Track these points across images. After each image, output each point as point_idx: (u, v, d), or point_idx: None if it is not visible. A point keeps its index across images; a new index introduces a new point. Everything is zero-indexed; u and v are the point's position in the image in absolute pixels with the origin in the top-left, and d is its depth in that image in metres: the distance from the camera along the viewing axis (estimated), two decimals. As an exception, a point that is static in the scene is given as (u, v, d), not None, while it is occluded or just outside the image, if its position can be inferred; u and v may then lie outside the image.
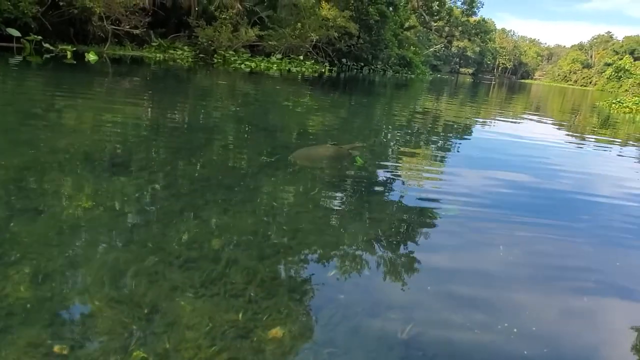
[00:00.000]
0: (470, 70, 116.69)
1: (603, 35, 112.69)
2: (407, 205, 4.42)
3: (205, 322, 2.34)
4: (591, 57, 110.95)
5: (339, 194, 4.53)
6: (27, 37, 16.82)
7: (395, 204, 4.44)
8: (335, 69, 33.50)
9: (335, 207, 4.16)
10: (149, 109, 8.65)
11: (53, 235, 3.03)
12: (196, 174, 4.60)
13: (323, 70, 30.42)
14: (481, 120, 13.98)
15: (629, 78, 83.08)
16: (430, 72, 60.12)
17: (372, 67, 39.05)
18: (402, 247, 3.46)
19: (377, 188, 4.94)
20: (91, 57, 16.37)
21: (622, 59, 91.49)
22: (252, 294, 2.60)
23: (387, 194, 4.79)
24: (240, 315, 2.42)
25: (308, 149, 6.25)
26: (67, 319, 2.28)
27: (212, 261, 2.90)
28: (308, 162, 5.69)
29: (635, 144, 11.63)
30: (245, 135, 7.16)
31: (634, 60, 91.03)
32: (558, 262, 3.54)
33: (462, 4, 60.49)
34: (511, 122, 14.07)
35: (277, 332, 2.32)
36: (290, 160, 5.53)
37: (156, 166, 4.75)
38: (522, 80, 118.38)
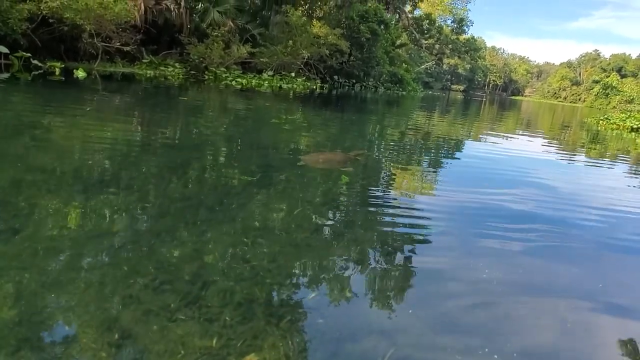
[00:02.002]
0: (462, 87, 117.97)
1: (591, 53, 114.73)
2: (392, 225, 4.35)
3: (177, 349, 2.25)
4: (580, 74, 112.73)
5: (322, 214, 4.45)
6: (16, 54, 16.74)
7: (380, 224, 4.37)
8: (327, 85, 33.68)
9: (318, 228, 4.08)
10: (133, 126, 8.57)
11: (26, 257, 2.93)
12: (177, 194, 4.51)
13: (314, 87, 30.56)
14: (473, 136, 14.03)
15: (616, 95, 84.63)
16: (422, 89, 60.64)
17: (364, 84, 39.30)
18: (384, 269, 3.38)
19: (362, 207, 4.87)
20: (80, 73, 16.30)
21: (609, 76, 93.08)
22: (227, 318, 2.52)
23: (372, 213, 4.71)
24: (215, 341, 2.33)
25: (318, 154, 7.23)
26: (34, 345, 2.19)
27: (188, 284, 2.82)
28: (318, 165, 6.53)
29: (625, 159, 11.70)
30: (232, 153, 7.09)
31: (621, 78, 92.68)
32: (543, 283, 3.49)
33: (452, 22, 61.68)
34: (502, 138, 14.12)
35: (251, 358, 2.23)
36: (301, 163, 6.38)
37: (136, 185, 4.65)
38: (513, 97, 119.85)
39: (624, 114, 28.51)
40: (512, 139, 14.44)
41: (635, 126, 22.53)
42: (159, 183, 4.83)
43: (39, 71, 16.36)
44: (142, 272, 2.89)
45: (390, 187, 6.03)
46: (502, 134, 15.73)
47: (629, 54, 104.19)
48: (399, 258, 3.60)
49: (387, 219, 4.55)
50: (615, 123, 24.68)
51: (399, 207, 4.99)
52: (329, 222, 4.25)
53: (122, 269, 2.91)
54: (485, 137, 14.16)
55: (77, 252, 3.08)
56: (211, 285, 2.82)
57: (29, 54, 17.18)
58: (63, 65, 18.10)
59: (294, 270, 3.18)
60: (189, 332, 2.38)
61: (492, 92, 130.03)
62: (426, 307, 2.92)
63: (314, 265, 3.31)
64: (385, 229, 4.23)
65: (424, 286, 3.20)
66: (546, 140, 15.56)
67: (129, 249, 3.21)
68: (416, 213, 4.82)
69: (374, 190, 5.73)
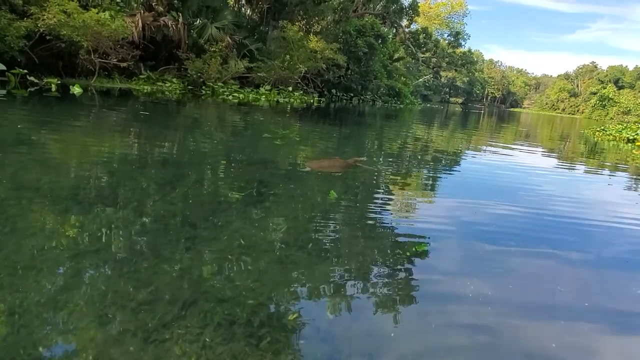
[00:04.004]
0: (460, 100, 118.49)
1: (588, 65, 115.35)
2: (381, 243, 4.29)
3: (152, 372, 2.16)
4: (577, 86, 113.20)
5: (309, 231, 4.37)
6: (12, 71, 16.77)
7: (368, 241, 4.29)
8: (324, 99, 33.78)
9: (305, 245, 3.99)
10: (126, 142, 8.51)
11: (4, 275, 2.86)
12: (162, 211, 4.43)
13: (312, 101, 30.64)
14: (471, 149, 14.00)
15: (613, 106, 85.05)
16: (420, 102, 60.89)
17: (362, 97, 39.40)
18: (368, 289, 3.29)
19: (350, 223, 4.79)
20: (76, 89, 16.30)
21: (606, 88, 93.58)
22: (207, 339, 2.44)
23: (360, 229, 4.63)
24: (191, 363, 2.25)
25: (320, 160, 7.64)
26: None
27: (167, 304, 2.74)
28: (321, 170, 6.83)
29: (624, 170, 11.64)
30: (224, 169, 7.01)
31: (618, 89, 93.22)
32: (535, 301, 3.42)
33: (448, 36, 62.12)
34: (501, 150, 14.07)
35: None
36: (304, 168, 6.87)
37: (122, 202, 4.57)
38: (511, 109, 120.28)
39: (620, 125, 28.59)
40: (511, 151, 14.37)
41: (631, 137, 22.56)
42: (146, 200, 4.76)
43: (35, 87, 16.37)
44: (120, 291, 2.82)
45: (380, 202, 5.94)
46: (501, 145, 15.69)
47: (626, 66, 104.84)
48: (385, 277, 3.52)
49: (376, 235, 4.47)
50: (611, 134, 24.72)
51: (388, 224, 4.91)
52: (317, 240, 4.16)
53: (100, 288, 2.85)
54: (483, 149, 14.11)
55: (55, 271, 3.02)
56: (191, 305, 2.75)
57: (25, 71, 17.22)
58: (60, 82, 18.14)
59: (277, 290, 3.10)
60: (165, 354, 2.31)
61: (491, 105, 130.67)
62: (411, 328, 2.84)
63: (298, 284, 3.23)
64: (373, 245, 4.16)
65: (409, 307, 3.12)
66: (545, 152, 15.53)
67: (108, 267, 3.15)
68: (407, 230, 4.74)
69: (364, 205, 5.66)
